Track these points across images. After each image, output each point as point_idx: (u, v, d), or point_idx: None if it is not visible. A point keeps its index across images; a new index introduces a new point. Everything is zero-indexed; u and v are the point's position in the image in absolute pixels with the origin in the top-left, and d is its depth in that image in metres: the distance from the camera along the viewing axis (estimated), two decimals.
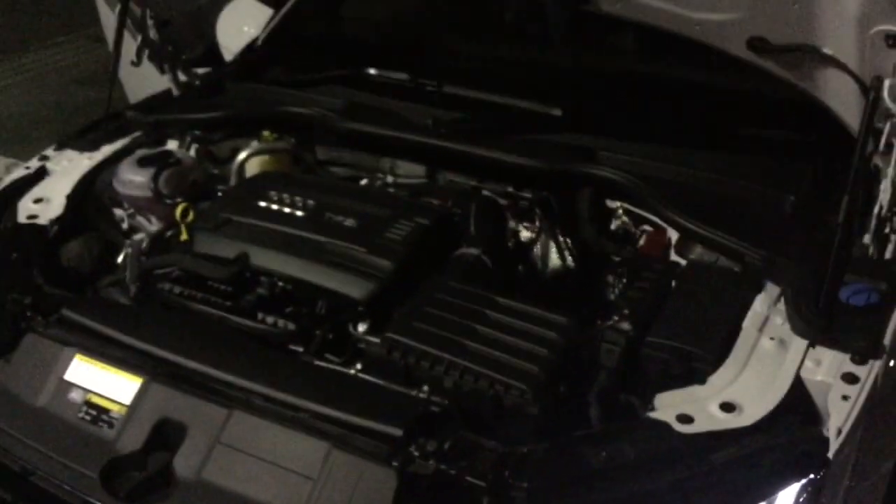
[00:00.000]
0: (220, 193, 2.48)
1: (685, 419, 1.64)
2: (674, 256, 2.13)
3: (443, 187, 2.47)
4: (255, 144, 2.61)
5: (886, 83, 1.78)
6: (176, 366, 1.80)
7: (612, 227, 2.27)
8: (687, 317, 1.86)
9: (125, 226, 2.54)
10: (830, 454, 1.58)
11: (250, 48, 3.15)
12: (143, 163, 2.47)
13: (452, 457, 1.58)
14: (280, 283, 2.05)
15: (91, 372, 1.82)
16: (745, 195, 2.17)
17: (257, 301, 2.01)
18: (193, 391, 1.74)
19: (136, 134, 2.67)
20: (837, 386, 1.68)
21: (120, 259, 2.38)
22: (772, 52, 1.96)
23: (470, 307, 1.89)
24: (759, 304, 1.87)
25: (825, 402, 1.67)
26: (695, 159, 2.29)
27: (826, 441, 1.60)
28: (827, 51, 1.89)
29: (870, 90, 1.80)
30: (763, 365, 1.74)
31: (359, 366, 1.87)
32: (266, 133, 2.62)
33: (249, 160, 2.57)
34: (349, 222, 2.13)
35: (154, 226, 2.49)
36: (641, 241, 2.20)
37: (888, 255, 2.02)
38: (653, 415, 1.66)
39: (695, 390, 1.71)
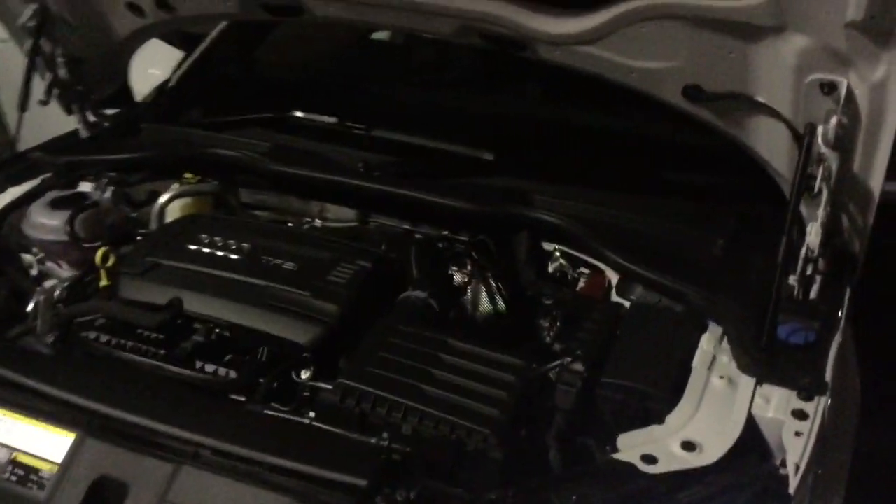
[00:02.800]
0: (139, 237, 2.36)
1: (649, 459, 1.64)
2: (615, 297, 2.15)
3: (375, 231, 2.44)
4: (176, 187, 2.51)
5: (819, 129, 1.87)
6: (112, 419, 1.68)
7: (550, 269, 2.28)
8: (638, 357, 1.88)
9: (34, 272, 2.38)
10: (791, 491, 1.60)
11: (162, 90, 3.04)
12: (56, 205, 2.34)
13: None
14: (217, 330, 1.95)
15: (15, 428, 1.68)
16: (676, 238, 2.22)
17: (194, 349, 1.91)
18: (133, 446, 1.62)
19: (46, 175, 2.52)
20: (789, 423, 1.71)
21: (30, 307, 2.23)
22: (705, 99, 2.03)
23: (423, 351, 1.85)
24: (706, 343, 1.91)
25: (779, 439, 1.71)
26: (626, 203, 2.33)
27: (785, 478, 1.63)
28: (760, 98, 1.96)
29: (804, 137, 1.88)
30: (716, 403, 1.77)
31: (312, 414, 1.78)
32: (188, 175, 2.52)
33: (171, 203, 2.46)
34: (288, 266, 2.06)
35: (67, 271, 2.35)
36: (581, 284, 2.22)
37: (813, 294, 2.10)
38: (617, 456, 1.66)
39: (654, 430, 1.72)
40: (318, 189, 2.46)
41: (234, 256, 2.10)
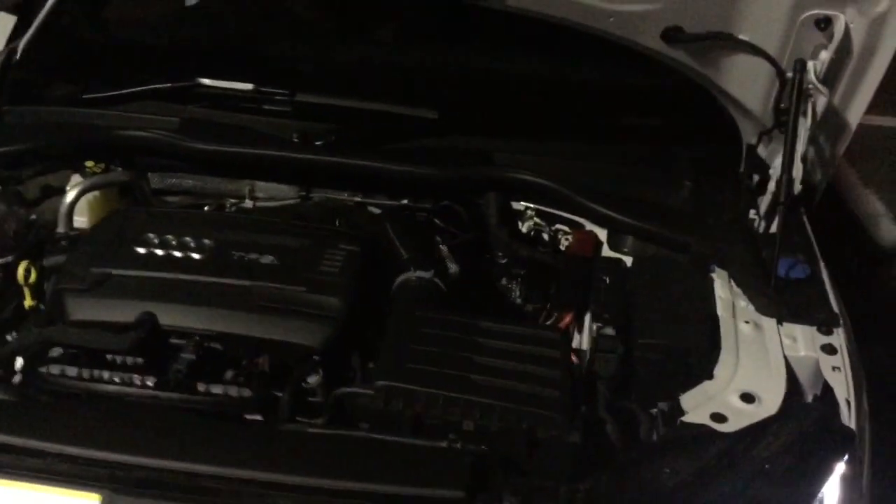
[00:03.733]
0: (55, 244, 1.99)
1: (719, 418, 1.59)
2: (608, 252, 2.08)
3: (320, 207, 2.21)
4: (78, 179, 2.15)
5: (809, 65, 1.87)
6: (136, 467, 1.40)
7: (524, 229, 2.18)
8: (664, 313, 1.83)
9: None
10: (853, 426, 1.62)
11: (7, 63, 2.58)
12: None
13: None
14: (205, 344, 1.69)
15: (21, 499, 1.36)
16: (647, 184, 2.19)
17: (189, 369, 1.64)
18: (176, 496, 1.37)
19: None
20: (823, 359, 1.73)
21: None
22: (684, 41, 1.98)
23: (455, 336, 1.69)
24: (720, 289, 1.89)
25: (811, 376, 1.72)
26: (582, 153, 2.27)
27: (840, 414, 1.64)
28: (744, 37, 1.94)
29: (795, 73, 1.89)
30: (752, 350, 1.75)
31: (365, 425, 1.58)
32: (90, 164, 2.16)
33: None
34: (266, 260, 1.82)
35: None
36: (565, 242, 2.13)
37: (773, 228, 2.14)
38: (687, 419, 1.60)
39: (708, 386, 1.67)
40: (251, 166, 2.19)
41: (196, 255, 1.83)
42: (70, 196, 2.07)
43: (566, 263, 2.07)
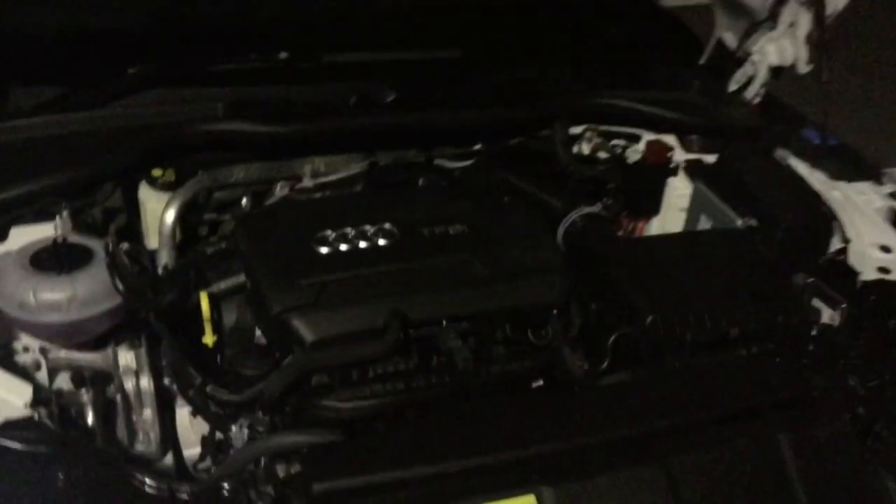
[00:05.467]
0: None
1: (884, 271, 1.87)
2: (684, 155, 2.23)
3: (395, 167, 2.12)
4: (150, 191, 1.86)
5: None
6: (539, 457, 1.38)
7: (586, 150, 2.26)
8: (774, 196, 2.04)
9: (41, 373, 1.63)
10: None
11: None
12: (49, 266, 1.59)
13: None
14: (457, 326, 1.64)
15: None
16: (669, 89, 2.37)
17: (475, 355, 1.59)
18: (600, 471, 1.37)
19: None
20: (892, 204, 2.05)
21: (91, 419, 1.60)
22: None
23: (671, 257, 1.81)
24: (801, 167, 2.14)
25: None
26: (583, 72, 2.39)
27: None
28: None
29: None
30: (852, 210, 2.02)
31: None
32: (157, 172, 1.87)
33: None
34: (457, 229, 1.76)
35: (94, 357, 1.67)
36: (634, 155, 2.25)
37: None
38: (862, 278, 1.87)
39: (853, 247, 1.93)
40: (331, 140, 2.02)
41: (384, 241, 1.71)
42: (170, 215, 1.79)
43: (636, 173, 2.21)
